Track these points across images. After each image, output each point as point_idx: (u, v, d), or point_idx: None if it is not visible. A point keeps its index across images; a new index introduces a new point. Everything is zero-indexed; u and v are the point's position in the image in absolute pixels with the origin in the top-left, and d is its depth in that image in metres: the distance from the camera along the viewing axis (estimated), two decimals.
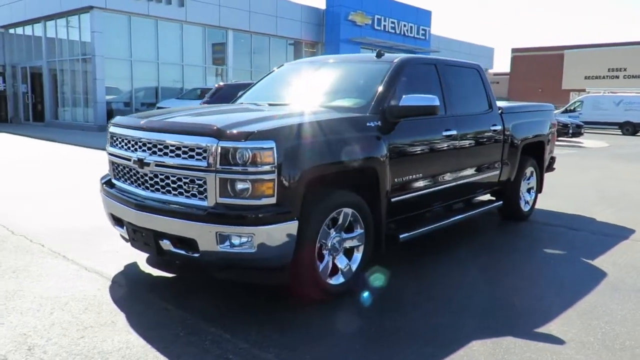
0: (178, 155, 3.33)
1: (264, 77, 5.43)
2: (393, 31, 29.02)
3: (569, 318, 3.50)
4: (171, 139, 3.37)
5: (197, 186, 3.27)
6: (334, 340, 3.12)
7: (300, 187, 3.27)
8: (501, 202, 5.88)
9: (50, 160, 11.61)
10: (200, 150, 3.22)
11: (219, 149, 3.15)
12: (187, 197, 3.33)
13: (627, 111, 28.70)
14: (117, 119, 3.96)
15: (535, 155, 6.43)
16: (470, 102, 5.32)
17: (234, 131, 3.19)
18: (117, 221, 3.85)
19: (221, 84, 14.06)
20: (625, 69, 49.82)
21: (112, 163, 3.97)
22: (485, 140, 5.30)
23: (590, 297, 3.87)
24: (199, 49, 22.21)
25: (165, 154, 3.39)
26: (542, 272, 4.47)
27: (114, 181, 3.97)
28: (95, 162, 10.37)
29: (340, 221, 3.64)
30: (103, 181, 4.09)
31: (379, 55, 4.67)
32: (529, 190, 6.43)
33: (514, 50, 68.44)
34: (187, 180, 3.31)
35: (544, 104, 6.96)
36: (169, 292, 3.79)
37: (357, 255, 3.82)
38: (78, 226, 5.45)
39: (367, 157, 3.78)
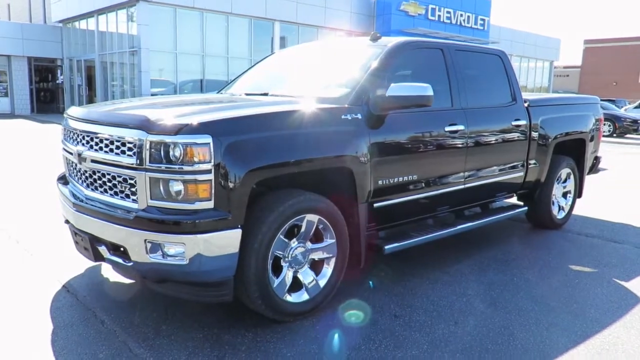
0: (111, 150, 2.93)
1: (255, 64, 4.97)
2: (449, 21, 27.74)
3: (576, 357, 2.83)
4: (103, 132, 2.98)
5: (129, 186, 2.86)
6: None
7: (245, 189, 2.79)
8: (526, 208, 5.14)
9: None
10: (131, 145, 2.81)
11: (148, 143, 2.72)
12: (121, 197, 2.93)
13: None
14: (70, 109, 3.62)
15: (573, 154, 5.62)
16: (488, 94, 4.63)
17: (166, 123, 2.75)
18: (67, 221, 3.51)
19: None
20: None
21: (64, 158, 3.64)
22: (504, 136, 4.59)
23: (612, 330, 3.17)
24: (245, 41, 22.04)
25: (100, 148, 3.00)
26: (561, 294, 3.75)
27: (68, 178, 3.64)
28: None
29: (303, 229, 3.13)
30: (58, 177, 3.77)
31: (374, 39, 4.09)
32: (564, 195, 5.63)
33: (586, 42, 64.66)
34: (120, 179, 2.91)
35: (587, 96, 6.09)
36: (117, 303, 3.40)
37: (327, 269, 3.30)
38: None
39: (339, 156, 3.23)
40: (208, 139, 2.68)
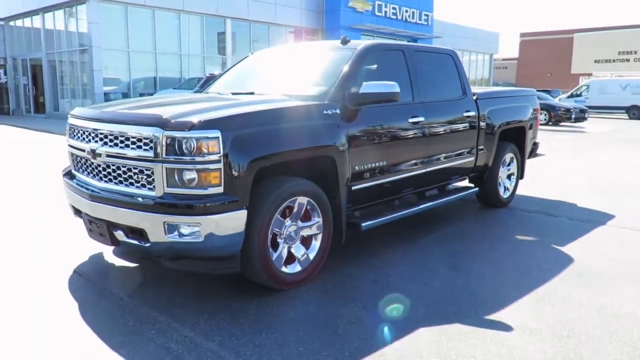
0: (127, 146, 3.33)
1: (233, 65, 5.41)
2: (394, 17, 28.75)
3: (524, 305, 3.48)
4: (120, 130, 3.37)
5: (145, 176, 3.28)
6: (282, 328, 3.13)
7: (248, 176, 3.27)
8: (477, 189, 5.84)
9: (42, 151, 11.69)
10: (147, 141, 3.22)
11: (165, 139, 3.15)
12: (137, 187, 3.34)
13: (634, 95, 28.42)
14: (75, 110, 3.97)
15: (515, 141, 6.37)
16: (442, 89, 5.26)
17: (179, 121, 3.19)
18: (77, 212, 3.87)
19: (211, 73, 14.03)
20: (635, 52, 48.60)
21: (70, 154, 3.99)
22: (457, 126, 5.25)
23: (551, 284, 3.85)
24: (197, 38, 22.15)
25: (116, 144, 3.40)
26: (509, 258, 4.43)
27: (74, 172, 3.99)
28: None
29: (295, 210, 3.64)
30: (64, 173, 4.11)
31: (344, 42, 4.63)
32: (509, 177, 6.37)
33: (522, 35, 67.73)
34: (136, 171, 3.32)
35: (525, 88, 6.88)
36: (128, 282, 3.82)
37: (316, 244, 3.82)
38: (57, 217, 5.50)
39: (323, 146, 3.75)
40: (217, 134, 3.14)
